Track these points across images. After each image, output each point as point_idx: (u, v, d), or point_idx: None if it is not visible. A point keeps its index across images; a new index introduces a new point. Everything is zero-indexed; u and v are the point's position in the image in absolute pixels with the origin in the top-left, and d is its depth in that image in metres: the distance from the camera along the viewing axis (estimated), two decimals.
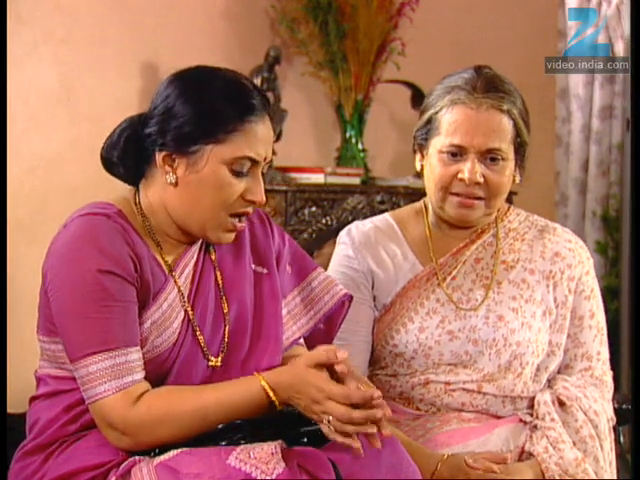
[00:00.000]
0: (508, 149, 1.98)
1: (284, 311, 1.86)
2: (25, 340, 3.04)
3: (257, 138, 1.70)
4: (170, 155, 1.70)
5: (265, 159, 1.73)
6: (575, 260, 2.08)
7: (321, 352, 1.64)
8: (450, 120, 1.98)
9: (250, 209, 1.74)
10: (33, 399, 1.76)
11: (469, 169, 1.96)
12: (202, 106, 1.68)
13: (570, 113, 3.89)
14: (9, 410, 2.53)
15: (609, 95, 3.79)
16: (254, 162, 1.71)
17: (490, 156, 1.97)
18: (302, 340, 1.90)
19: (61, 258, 1.66)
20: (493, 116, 1.96)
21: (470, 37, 3.92)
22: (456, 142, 1.97)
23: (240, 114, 1.68)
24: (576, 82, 3.85)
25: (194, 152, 1.68)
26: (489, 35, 3.97)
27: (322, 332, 1.91)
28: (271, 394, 1.62)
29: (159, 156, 1.70)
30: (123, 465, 1.62)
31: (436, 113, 2.00)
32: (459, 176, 1.97)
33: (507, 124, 1.97)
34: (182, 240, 1.77)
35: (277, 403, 1.62)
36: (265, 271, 1.83)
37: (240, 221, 1.74)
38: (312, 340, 1.90)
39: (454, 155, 1.98)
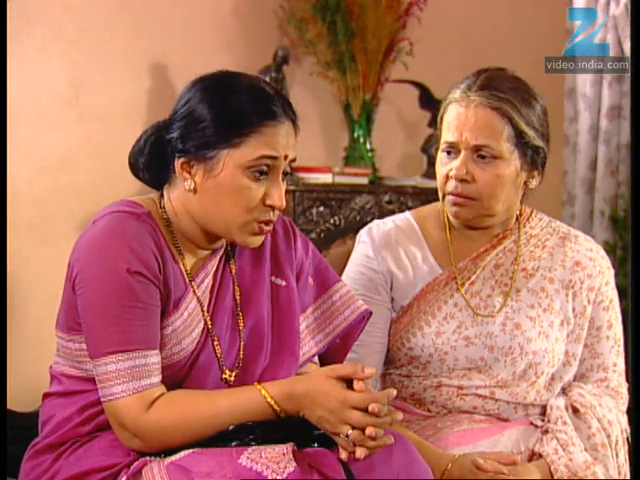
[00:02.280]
0: (501, 148, 1.95)
1: (302, 325, 1.85)
2: (33, 339, 3.06)
3: (275, 139, 1.68)
4: (188, 162, 1.69)
5: (286, 157, 1.70)
6: (595, 270, 2.07)
7: (347, 365, 1.63)
8: (446, 119, 2.00)
9: (273, 216, 1.71)
10: (46, 396, 1.77)
11: (456, 166, 1.97)
12: (220, 110, 1.67)
13: (578, 113, 3.89)
14: (17, 409, 2.54)
15: (617, 95, 3.78)
16: (273, 159, 1.68)
17: (479, 153, 1.96)
18: (316, 358, 1.88)
19: (90, 254, 1.65)
20: (481, 113, 1.95)
21: (478, 37, 3.92)
22: (448, 139, 1.98)
23: (258, 119, 1.67)
24: (584, 82, 3.85)
25: (211, 157, 1.67)
26: (497, 35, 3.97)
27: (337, 347, 1.89)
28: (275, 406, 1.61)
29: (177, 163, 1.70)
30: (134, 465, 1.62)
31: (441, 114, 2.03)
32: (449, 174, 1.98)
33: (498, 122, 1.95)
34: (204, 246, 1.76)
35: (282, 414, 1.61)
36: (283, 283, 1.81)
37: (267, 225, 1.72)
38: (326, 354, 1.88)
39: (449, 154, 1.99)
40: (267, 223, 1.72)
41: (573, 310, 2.05)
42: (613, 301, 2.09)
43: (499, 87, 1.97)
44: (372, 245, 2.08)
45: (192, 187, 1.69)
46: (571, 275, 2.06)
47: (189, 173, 1.70)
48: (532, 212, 2.13)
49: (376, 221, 2.14)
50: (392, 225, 2.10)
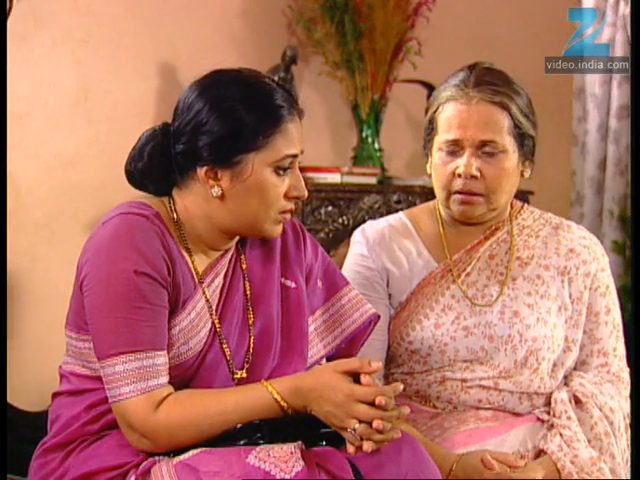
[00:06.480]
0: (505, 141, 1.98)
1: (311, 327, 1.86)
2: (42, 338, 3.07)
3: (292, 135, 1.72)
4: (212, 169, 1.70)
5: (301, 152, 1.75)
6: (590, 256, 2.09)
7: (353, 360, 1.64)
8: (444, 117, 2.01)
9: (294, 205, 1.75)
10: (55, 395, 1.78)
11: (464, 163, 1.98)
12: (236, 119, 1.69)
13: (586, 112, 3.89)
14: (27, 408, 2.55)
15: (627, 94, 3.77)
16: (294, 157, 1.73)
17: (485, 149, 1.98)
18: (324, 361, 1.89)
19: (98, 255, 1.66)
20: (484, 109, 1.97)
21: (486, 36, 3.91)
22: (451, 137, 1.99)
23: (273, 119, 1.70)
24: (593, 81, 3.84)
25: (237, 162, 1.69)
26: (505, 34, 3.97)
27: (344, 351, 1.90)
28: (282, 402, 1.62)
29: (200, 171, 1.70)
30: (143, 465, 1.63)
31: (434, 112, 2.04)
32: (456, 172, 1.99)
33: (500, 116, 1.98)
34: (216, 247, 1.78)
35: (289, 411, 1.62)
36: (293, 285, 1.83)
37: (288, 214, 1.76)
38: (333, 358, 1.86)
39: (451, 152, 2.00)
40: (289, 212, 1.75)
41: (570, 296, 2.07)
42: (610, 287, 2.11)
43: (494, 81, 2.00)
44: (366, 244, 2.10)
45: (220, 193, 1.71)
46: (566, 262, 2.08)
47: (214, 180, 1.71)
48: (523, 206, 2.16)
49: (369, 221, 2.17)
50: (385, 224, 2.13)
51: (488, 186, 1.99)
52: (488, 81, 1.99)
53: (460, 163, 1.99)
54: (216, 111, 1.69)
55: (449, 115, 2.00)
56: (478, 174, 1.98)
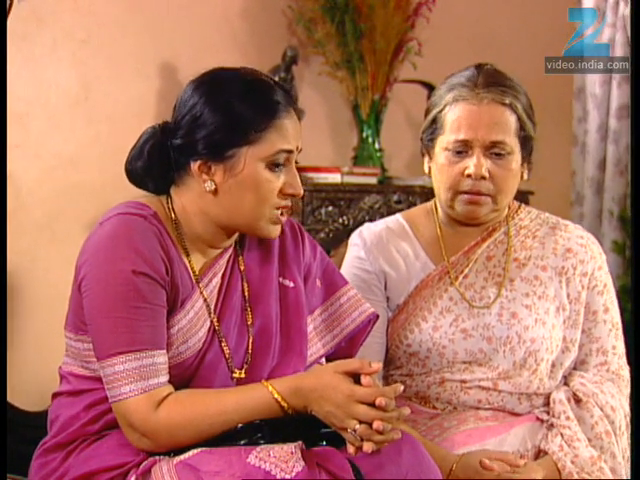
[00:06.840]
0: (512, 142, 1.99)
1: (310, 327, 1.86)
2: (43, 338, 3.07)
3: (287, 131, 1.72)
4: (205, 163, 1.71)
5: (297, 148, 1.75)
6: (587, 256, 2.09)
7: (354, 360, 1.65)
8: (453, 117, 2.00)
9: (289, 202, 1.75)
10: (55, 395, 1.78)
11: (475, 164, 1.98)
12: (230, 112, 1.69)
13: (587, 112, 3.89)
14: (27, 408, 2.56)
15: (627, 94, 3.78)
16: (289, 153, 1.72)
17: (495, 150, 1.99)
18: (323, 360, 1.90)
19: (96, 255, 1.66)
20: (495, 110, 1.98)
21: (487, 36, 3.92)
22: (460, 137, 1.99)
23: (267, 114, 1.70)
24: (593, 81, 3.84)
25: (230, 157, 1.69)
26: (506, 34, 3.97)
27: (343, 350, 1.90)
28: (282, 402, 1.62)
29: (194, 165, 1.71)
30: (143, 464, 1.63)
31: (440, 112, 2.03)
32: (466, 172, 1.99)
33: (510, 117, 1.99)
34: (215, 246, 1.78)
35: (290, 411, 1.62)
36: (291, 284, 1.83)
37: (282, 214, 1.75)
38: (333, 358, 1.87)
39: (459, 152, 2.00)
40: (284, 210, 1.75)
41: (568, 296, 2.07)
42: (607, 285, 2.11)
43: (503, 82, 2.01)
44: (364, 246, 2.10)
45: (213, 188, 1.71)
46: (563, 262, 2.08)
47: (208, 174, 1.71)
48: (520, 206, 2.16)
49: (367, 224, 2.17)
50: (383, 226, 2.14)
51: (496, 187, 2.00)
52: (497, 82, 1.99)
53: (470, 163, 1.99)
54: (211, 104, 1.70)
55: (459, 115, 1.99)
56: (487, 175, 1.98)
